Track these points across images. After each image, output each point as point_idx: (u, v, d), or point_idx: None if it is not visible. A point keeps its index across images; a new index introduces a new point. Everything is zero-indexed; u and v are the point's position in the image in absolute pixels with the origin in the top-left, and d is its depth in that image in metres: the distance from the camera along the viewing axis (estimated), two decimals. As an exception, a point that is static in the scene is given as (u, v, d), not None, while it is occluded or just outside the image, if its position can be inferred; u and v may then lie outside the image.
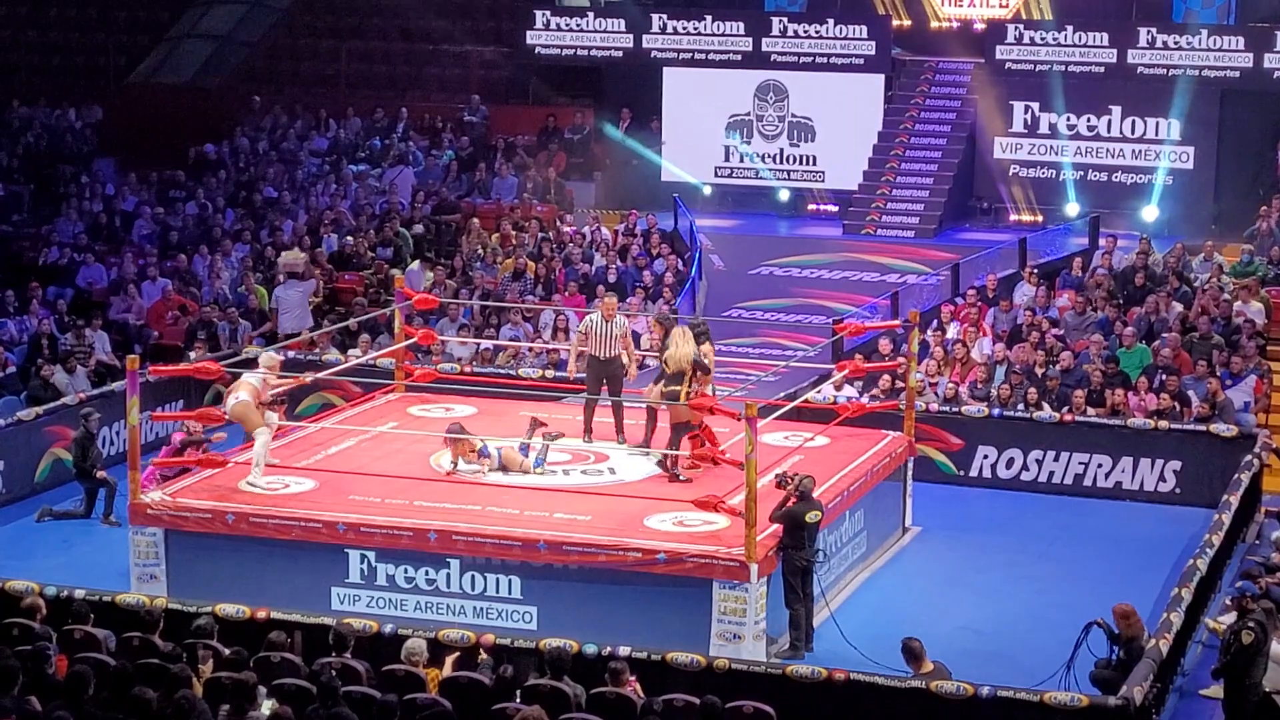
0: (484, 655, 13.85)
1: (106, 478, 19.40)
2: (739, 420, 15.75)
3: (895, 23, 31.22)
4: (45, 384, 22.18)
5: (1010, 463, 20.89)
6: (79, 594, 14.91)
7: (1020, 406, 21.02)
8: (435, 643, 13.92)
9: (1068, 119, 29.46)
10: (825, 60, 30.74)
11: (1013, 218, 29.68)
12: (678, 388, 16.98)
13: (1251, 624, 13.83)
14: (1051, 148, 29.57)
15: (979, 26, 30.82)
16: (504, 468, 17.29)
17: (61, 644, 13.32)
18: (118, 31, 35.63)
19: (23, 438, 20.32)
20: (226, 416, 17.37)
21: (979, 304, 24.02)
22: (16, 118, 32.97)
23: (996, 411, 21.02)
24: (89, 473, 19.40)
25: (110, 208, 30.06)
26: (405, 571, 16.05)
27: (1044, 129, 29.61)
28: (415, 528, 15.98)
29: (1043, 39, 29.52)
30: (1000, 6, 30.93)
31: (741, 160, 31.22)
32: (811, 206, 30.98)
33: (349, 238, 28.18)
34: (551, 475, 17.36)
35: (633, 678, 13.24)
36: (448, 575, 15.95)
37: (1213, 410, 20.71)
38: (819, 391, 20.46)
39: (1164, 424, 20.47)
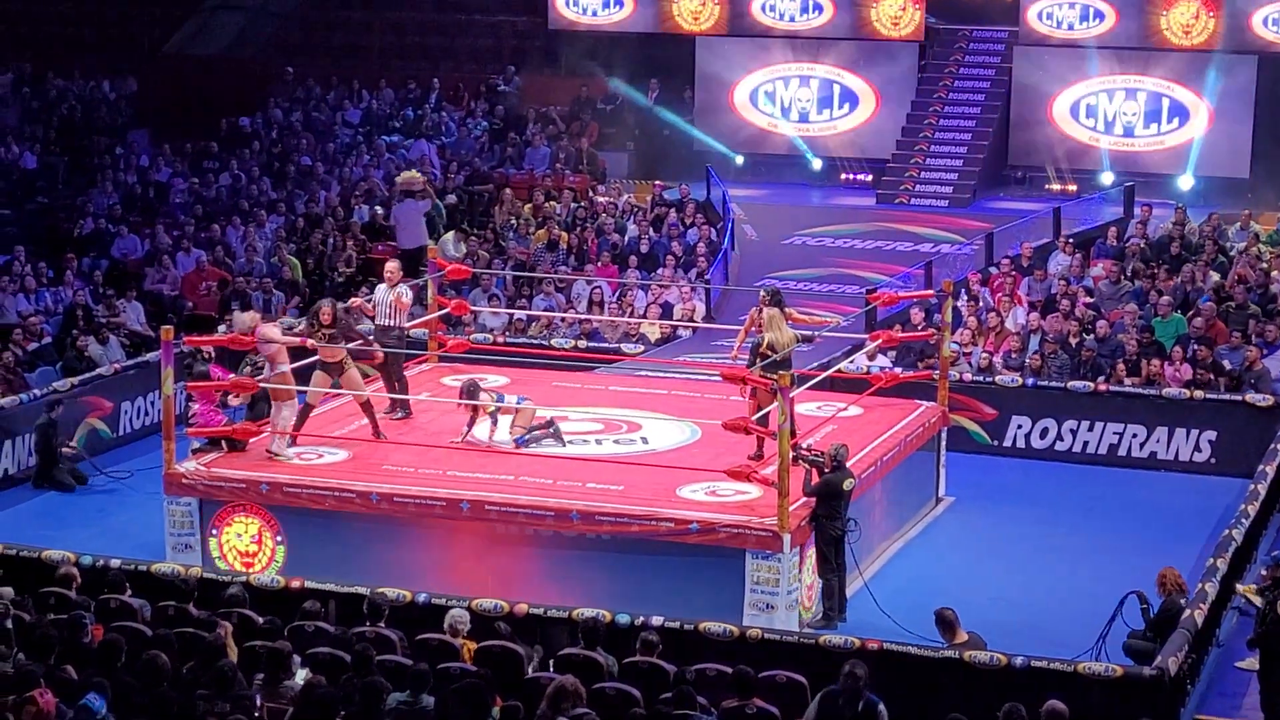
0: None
1: (76, 450, 19.71)
2: (771, 391, 15.72)
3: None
4: (80, 355, 22.30)
5: (1044, 433, 20.80)
6: (114, 563, 15.01)
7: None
8: (469, 612, 13.94)
9: (1103, 86, 29.25)
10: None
11: (1047, 187, 29.51)
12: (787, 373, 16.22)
13: (1288, 594, 13.73)
14: (1087, 115, 29.38)
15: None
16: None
17: (98, 613, 13.39)
18: (151, 3, 35.68)
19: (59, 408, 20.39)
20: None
21: (1013, 273, 23.90)
22: (52, 89, 33.08)
23: (1031, 381, 20.95)
24: (54, 452, 19.41)
25: (144, 179, 30.16)
26: (439, 541, 16.07)
27: (1078, 97, 29.41)
28: (448, 498, 16.00)
29: (1076, 6, 29.31)
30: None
31: (774, 129, 31.11)
32: (844, 176, 30.86)
33: (380, 208, 28.20)
34: (584, 445, 17.39)
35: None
36: (481, 545, 15.96)
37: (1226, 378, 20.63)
38: (852, 361, 20.42)
39: (1199, 394, 20.35)
